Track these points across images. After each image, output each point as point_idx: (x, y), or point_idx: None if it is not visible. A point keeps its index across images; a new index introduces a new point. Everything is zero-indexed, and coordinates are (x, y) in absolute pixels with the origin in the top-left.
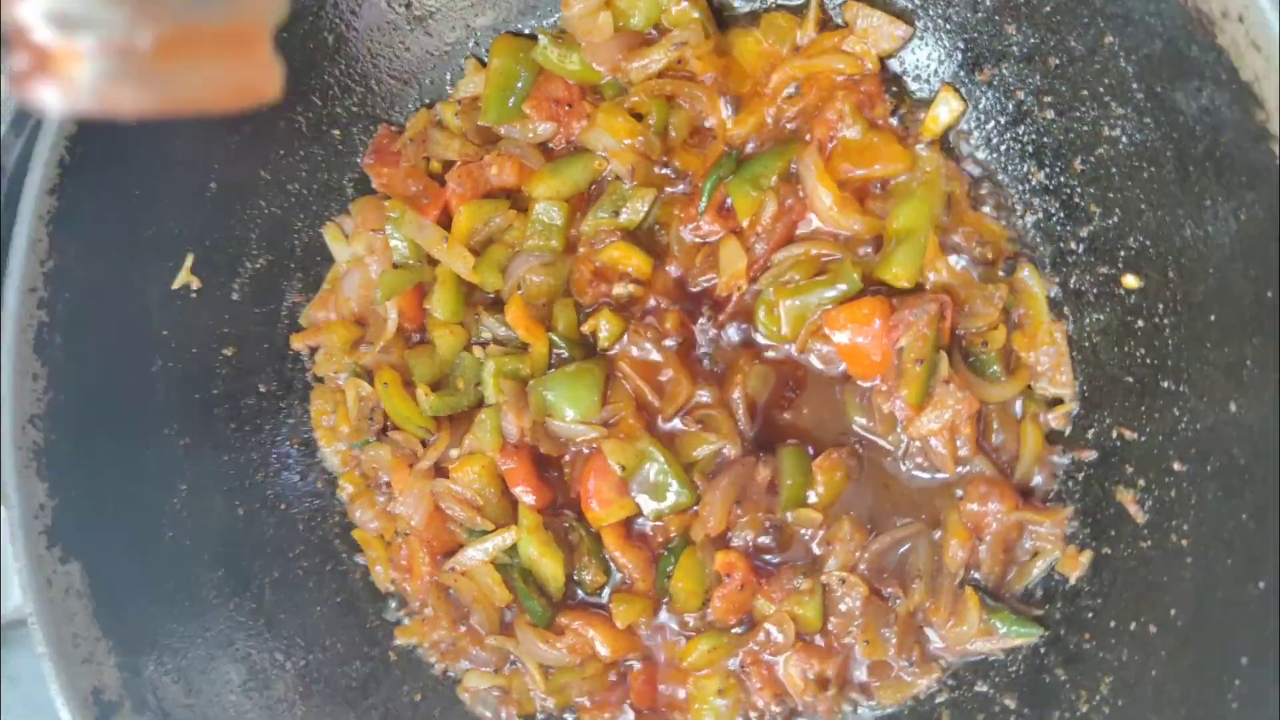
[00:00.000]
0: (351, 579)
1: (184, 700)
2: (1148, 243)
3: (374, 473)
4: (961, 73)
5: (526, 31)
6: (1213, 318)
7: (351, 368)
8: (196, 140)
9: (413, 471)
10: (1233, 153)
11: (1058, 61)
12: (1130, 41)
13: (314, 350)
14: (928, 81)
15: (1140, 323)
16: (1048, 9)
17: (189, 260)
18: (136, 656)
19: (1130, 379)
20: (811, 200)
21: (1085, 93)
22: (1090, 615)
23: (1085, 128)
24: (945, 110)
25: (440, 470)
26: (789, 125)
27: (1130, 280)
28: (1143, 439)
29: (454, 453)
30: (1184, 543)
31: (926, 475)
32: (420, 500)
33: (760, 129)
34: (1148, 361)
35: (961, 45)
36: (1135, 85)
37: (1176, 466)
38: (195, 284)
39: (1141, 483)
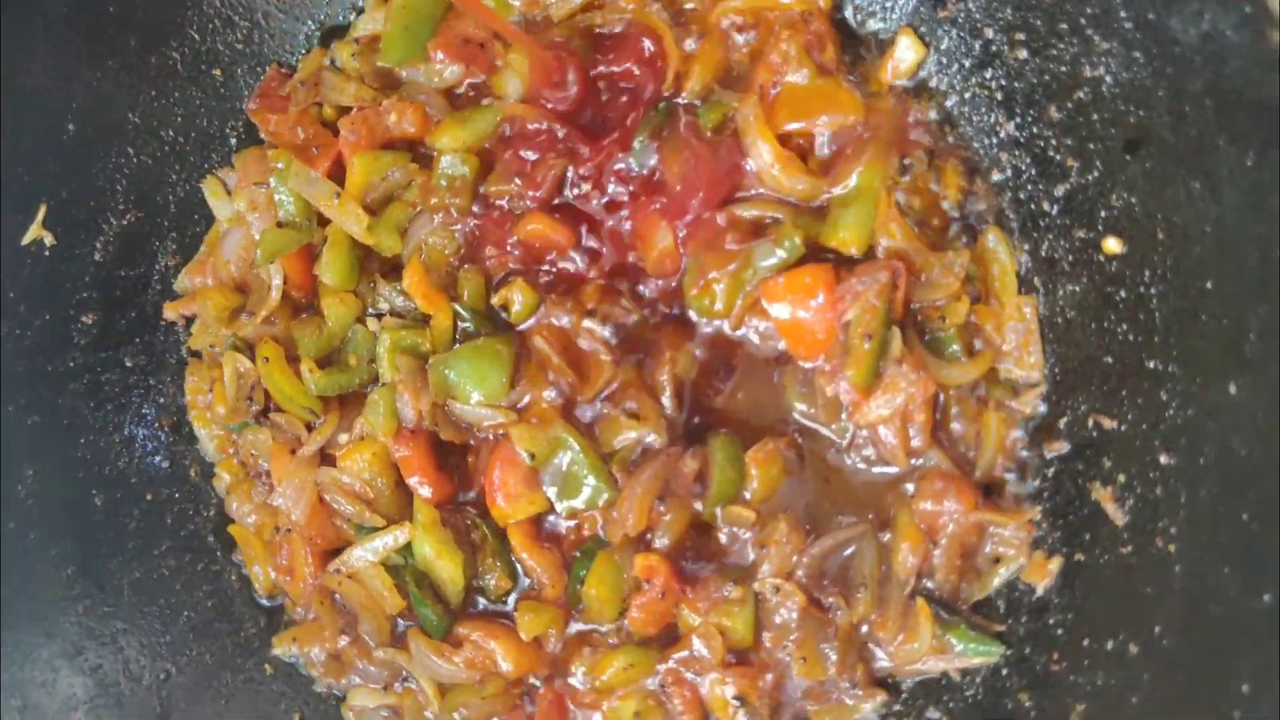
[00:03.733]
0: (225, 580)
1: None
2: (1133, 200)
3: (253, 460)
4: (922, 9)
5: None
6: (1209, 285)
7: (230, 340)
8: (51, 73)
9: (294, 459)
10: (1239, 86)
11: None
12: None
13: (189, 320)
14: (883, 21)
15: (1123, 293)
16: None
17: (41, 213)
18: None
19: (1110, 359)
20: (751, 156)
21: (1064, 26)
22: (1060, 632)
23: (1063, 68)
24: (904, 55)
25: (327, 458)
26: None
27: (1112, 244)
28: (1123, 428)
29: (343, 438)
30: (1171, 548)
31: (875, 469)
32: (302, 491)
33: (718, 76)
34: (1131, 338)
35: None
36: (1123, 13)
37: (1163, 460)
38: (49, 240)
39: (1121, 479)
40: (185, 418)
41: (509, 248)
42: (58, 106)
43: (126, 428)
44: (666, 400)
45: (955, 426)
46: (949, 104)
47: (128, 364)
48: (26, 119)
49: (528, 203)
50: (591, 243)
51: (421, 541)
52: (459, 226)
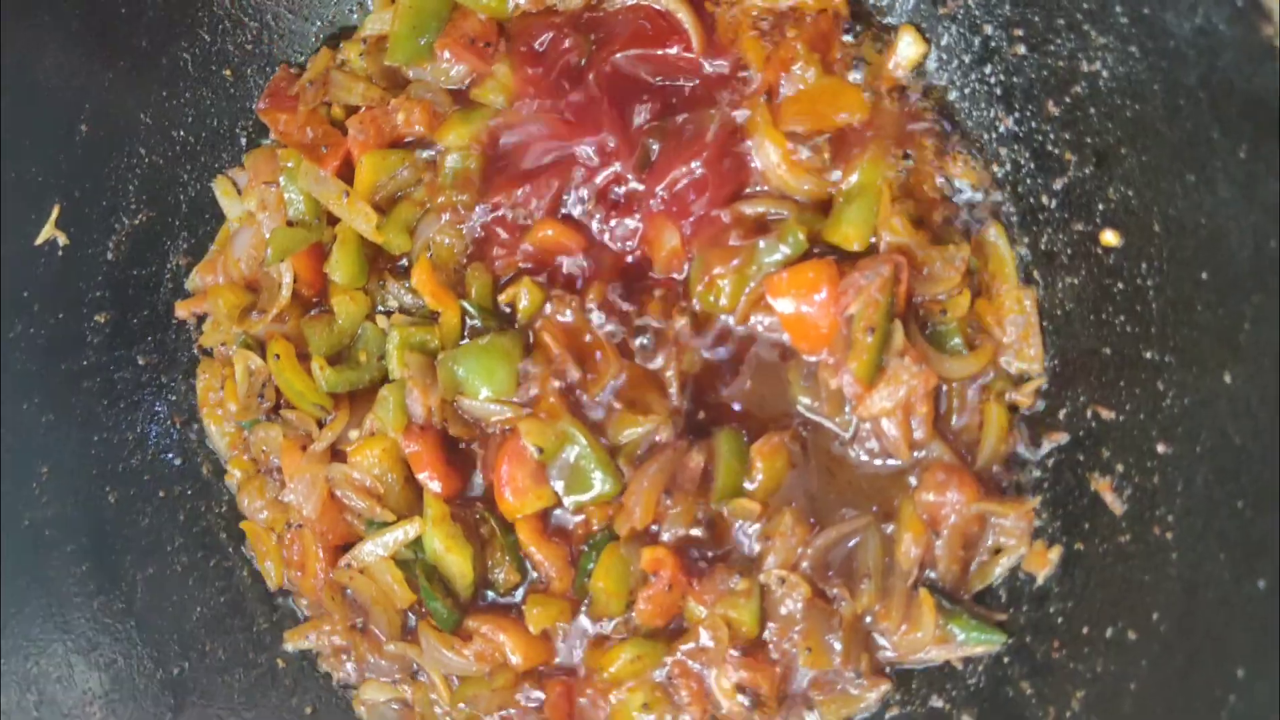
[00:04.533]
0: (238, 576)
1: (33, 713)
2: (1130, 193)
3: (264, 456)
4: (923, 6)
5: None
6: (1204, 275)
7: (241, 338)
8: (63, 74)
9: (305, 455)
10: (1232, 79)
11: None
12: None
13: (201, 319)
14: (886, 18)
15: (1120, 285)
16: None
17: (55, 212)
18: None
19: (1108, 350)
20: (757, 155)
21: (1061, 22)
22: (1060, 620)
23: (1061, 63)
24: (906, 51)
25: (337, 454)
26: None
27: (1109, 237)
28: (1121, 418)
29: (353, 434)
30: (1168, 536)
31: (878, 461)
32: (313, 487)
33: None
34: (1128, 329)
35: None
36: (1119, 8)
37: (1160, 449)
38: (62, 240)
39: (1120, 468)
40: (197, 415)
41: (517, 251)
42: (70, 107)
43: (139, 425)
44: (673, 394)
45: (957, 418)
46: (950, 99)
47: (140, 362)
48: (39, 119)
49: (534, 211)
50: (600, 243)
51: (431, 536)
52: (466, 225)
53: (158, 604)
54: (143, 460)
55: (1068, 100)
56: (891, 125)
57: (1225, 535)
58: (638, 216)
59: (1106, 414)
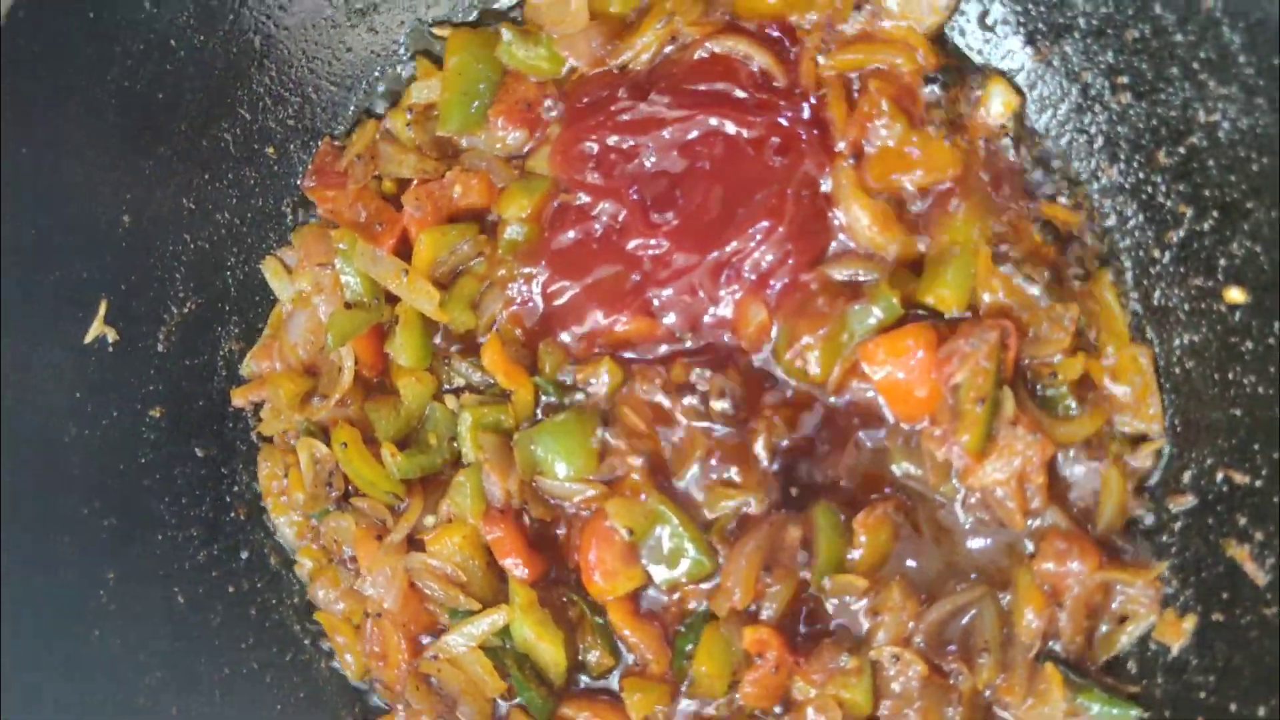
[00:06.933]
0: (316, 670)
1: None
2: (1257, 249)
3: (336, 546)
4: (1014, 53)
5: (488, 23)
6: None
7: (303, 425)
8: (103, 166)
9: (382, 546)
10: None
11: (1138, 34)
12: (1239, 4)
13: (258, 406)
14: (972, 67)
15: (1249, 344)
16: None
17: (102, 309)
18: None
19: (1238, 411)
20: (846, 220)
21: (1174, 71)
22: (1202, 695)
23: (1173, 113)
24: (998, 101)
25: (414, 542)
26: None
27: (1235, 294)
28: (1258, 484)
29: (429, 520)
30: None
31: (987, 530)
32: (393, 579)
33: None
34: (1260, 391)
35: (1014, 18)
36: (1244, 58)
37: None
38: (111, 336)
39: (1259, 536)
40: (260, 505)
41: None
42: (111, 199)
43: (203, 520)
44: (764, 465)
45: (1072, 482)
46: (1046, 149)
47: (199, 454)
48: (81, 214)
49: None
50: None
51: (521, 624)
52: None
53: (235, 705)
54: (209, 556)
55: (1181, 151)
56: (985, 180)
57: None
58: (722, 300)
59: (1240, 478)
